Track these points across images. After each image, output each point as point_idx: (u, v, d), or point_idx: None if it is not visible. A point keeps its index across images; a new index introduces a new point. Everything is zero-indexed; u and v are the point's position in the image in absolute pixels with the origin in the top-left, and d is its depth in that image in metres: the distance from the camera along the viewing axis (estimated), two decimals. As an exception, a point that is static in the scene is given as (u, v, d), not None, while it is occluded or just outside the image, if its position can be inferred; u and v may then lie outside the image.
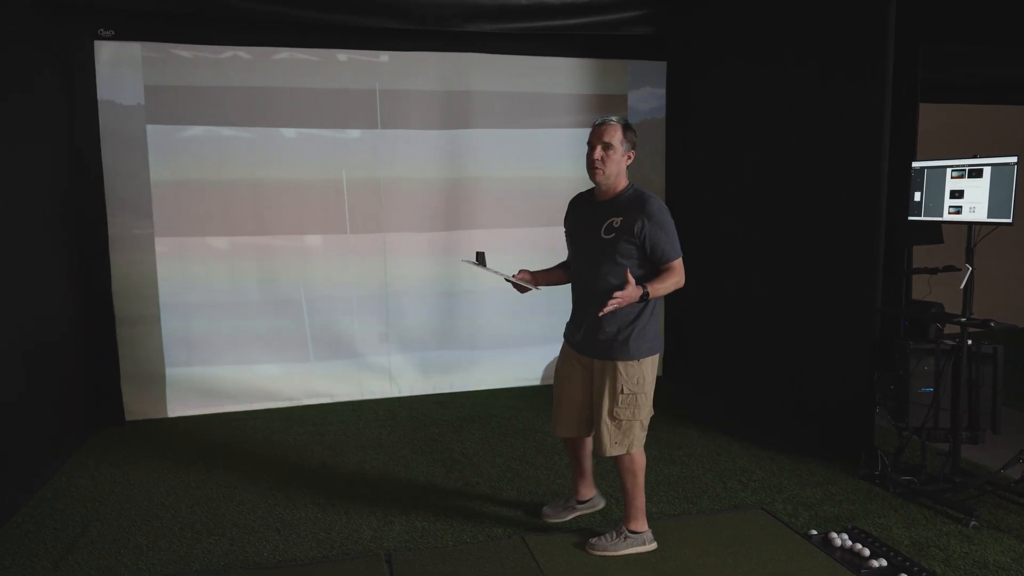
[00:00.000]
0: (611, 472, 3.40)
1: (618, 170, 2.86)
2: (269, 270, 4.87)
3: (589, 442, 3.08)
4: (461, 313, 5.26)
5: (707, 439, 4.24)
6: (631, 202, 2.86)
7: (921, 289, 4.81)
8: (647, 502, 3.00)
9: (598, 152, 2.84)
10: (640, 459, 2.90)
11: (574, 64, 5.28)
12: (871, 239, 3.63)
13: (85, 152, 4.44)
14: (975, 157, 3.22)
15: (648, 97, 5.48)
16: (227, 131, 4.71)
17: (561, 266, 3.20)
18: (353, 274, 5.02)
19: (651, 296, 2.76)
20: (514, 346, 5.37)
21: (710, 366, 5.16)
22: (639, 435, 2.85)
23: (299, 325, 4.95)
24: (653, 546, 2.92)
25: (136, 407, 4.71)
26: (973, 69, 6.06)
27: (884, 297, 3.76)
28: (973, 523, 3.09)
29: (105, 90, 4.48)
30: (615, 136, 2.83)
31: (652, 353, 2.84)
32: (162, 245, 4.68)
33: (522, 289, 3.09)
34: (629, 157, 2.86)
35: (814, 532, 3.04)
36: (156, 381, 4.74)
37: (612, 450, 2.83)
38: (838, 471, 3.70)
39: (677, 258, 2.85)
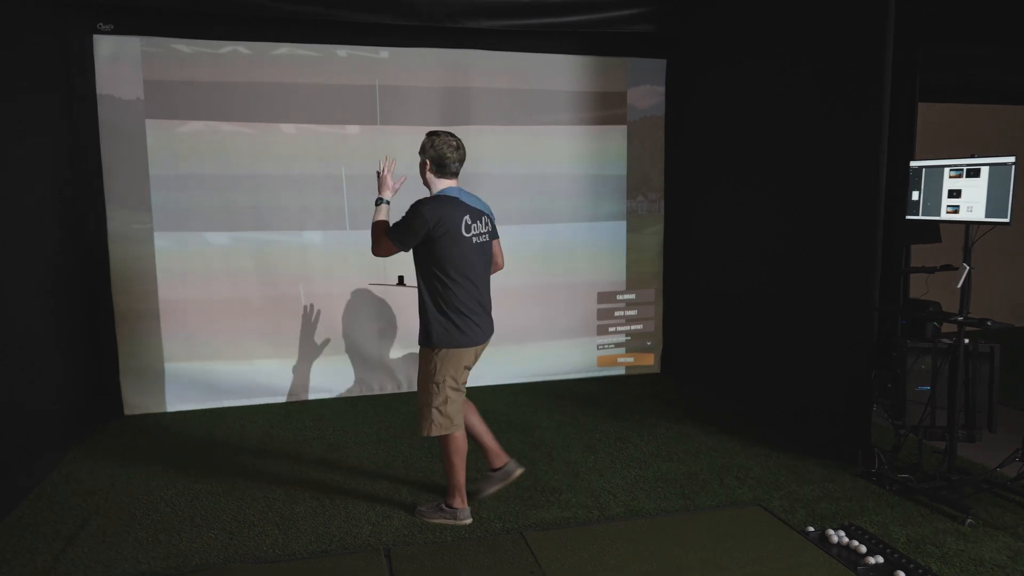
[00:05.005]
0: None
1: (424, 180, 3.10)
2: (268, 265, 4.87)
3: (472, 415, 3.36)
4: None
5: (705, 436, 4.26)
6: None
7: (919, 288, 4.83)
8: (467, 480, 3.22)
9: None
10: (451, 442, 3.12)
11: (574, 61, 5.28)
12: (869, 238, 3.65)
13: (84, 147, 4.44)
14: (973, 157, 3.23)
15: (648, 95, 5.48)
16: (226, 126, 4.71)
17: None
18: (352, 270, 5.03)
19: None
20: (513, 343, 5.38)
21: (708, 363, 5.18)
22: (437, 420, 3.06)
23: (298, 320, 4.96)
24: (466, 522, 3.16)
25: (135, 401, 4.72)
26: (973, 69, 6.07)
27: (882, 296, 3.77)
28: (969, 521, 3.11)
29: (104, 85, 4.48)
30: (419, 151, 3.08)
31: (442, 345, 3.01)
32: (161, 240, 4.68)
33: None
34: (426, 165, 3.06)
35: (811, 529, 3.06)
36: (155, 376, 4.74)
37: (419, 430, 3.12)
38: (835, 469, 3.72)
39: (387, 231, 3.04)
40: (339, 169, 4.92)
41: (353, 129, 4.93)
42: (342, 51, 4.85)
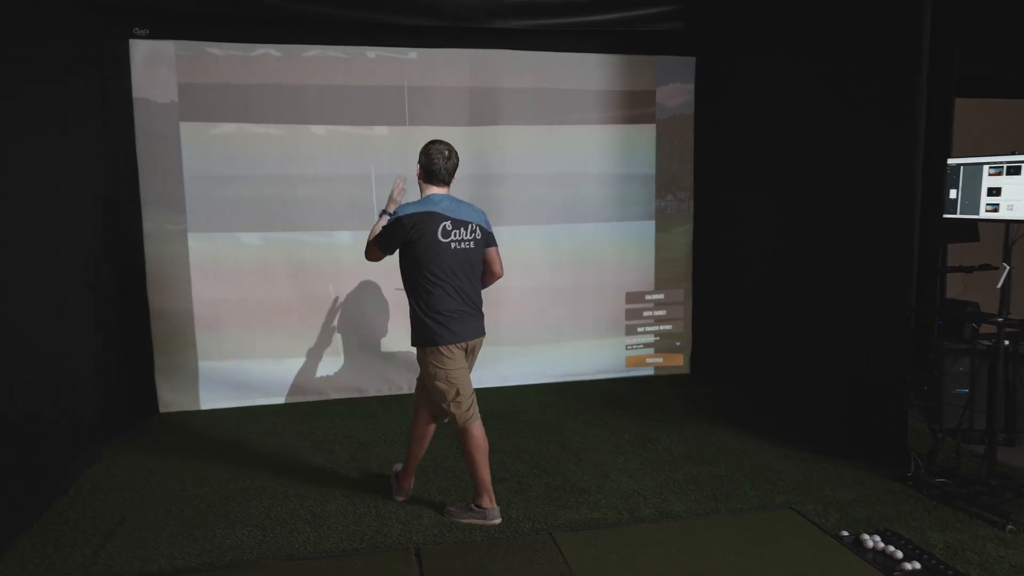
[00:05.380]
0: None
1: (419, 185, 3.23)
2: (299, 265, 4.93)
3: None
4: (487, 310, 5.23)
5: (736, 438, 4.22)
6: None
7: (956, 288, 4.73)
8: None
9: None
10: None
11: (602, 60, 5.26)
12: (905, 237, 3.58)
13: (121, 149, 4.53)
14: (1013, 153, 3.15)
15: (677, 93, 5.44)
16: (258, 128, 4.77)
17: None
18: (381, 270, 5.04)
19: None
20: (541, 343, 5.38)
21: (739, 364, 5.13)
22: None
23: (328, 320, 5.00)
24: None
25: (169, 399, 4.80)
26: (1012, 63, 5.92)
27: (918, 296, 3.69)
28: (1010, 527, 3.04)
29: (140, 88, 4.57)
30: None
31: (430, 344, 3.11)
32: (195, 240, 4.76)
33: None
34: (419, 171, 3.20)
35: (845, 533, 3.01)
36: (189, 374, 4.82)
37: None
38: (869, 472, 3.66)
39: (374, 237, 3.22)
40: (368, 169, 4.95)
41: (382, 130, 4.96)
42: (371, 52, 4.89)
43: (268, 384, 4.95)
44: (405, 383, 5.18)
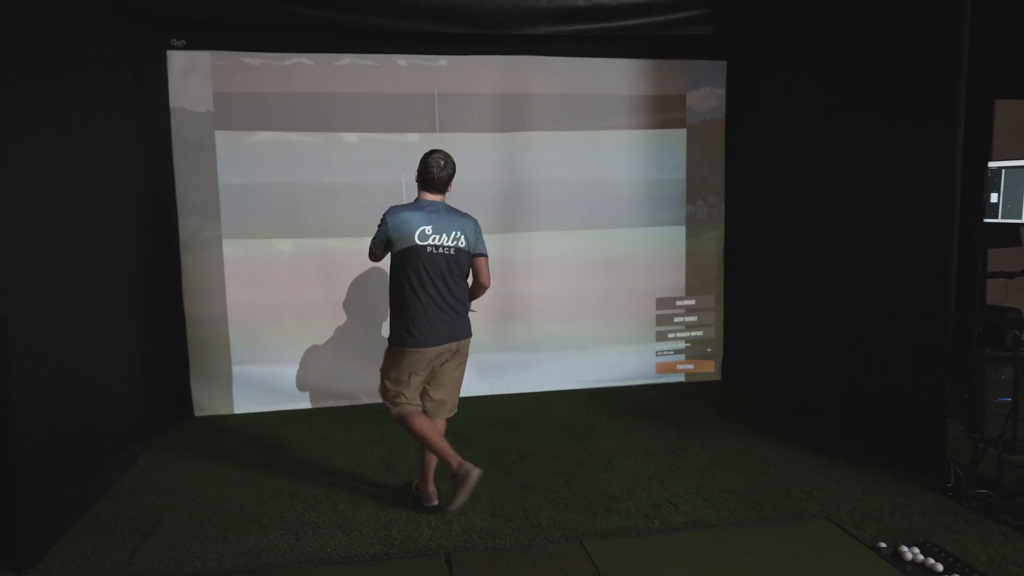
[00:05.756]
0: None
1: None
2: (331, 271, 4.98)
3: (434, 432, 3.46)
4: (517, 315, 5.28)
5: (768, 445, 4.16)
6: None
7: (996, 294, 4.61)
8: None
9: None
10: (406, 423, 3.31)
11: (632, 65, 5.24)
12: (944, 242, 3.50)
13: (158, 157, 4.63)
14: (1058, 156, 3.07)
15: (708, 97, 5.40)
16: (291, 136, 4.84)
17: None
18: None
19: None
20: (571, 349, 5.36)
21: (771, 371, 5.06)
22: (385, 401, 3.35)
23: (360, 326, 5.04)
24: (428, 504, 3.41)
25: (204, 403, 4.88)
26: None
27: (957, 302, 3.61)
28: (1055, 540, 2.95)
29: (176, 98, 4.66)
30: None
31: (392, 343, 3.28)
32: (229, 247, 4.83)
33: None
34: (416, 177, 3.37)
35: (883, 545, 2.95)
36: (223, 378, 4.90)
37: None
38: (907, 483, 3.58)
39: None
40: (399, 176, 4.99)
41: (413, 137, 5.00)
42: (402, 60, 4.94)
43: (300, 388, 5.00)
44: (435, 388, 5.19)
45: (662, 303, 5.52)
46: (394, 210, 3.26)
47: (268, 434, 4.51)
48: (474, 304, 3.46)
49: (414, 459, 4.03)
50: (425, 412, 3.36)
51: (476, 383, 5.26)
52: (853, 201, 4.11)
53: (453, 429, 4.52)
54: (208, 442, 4.37)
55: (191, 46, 4.64)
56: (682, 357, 5.61)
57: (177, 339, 4.78)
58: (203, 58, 4.68)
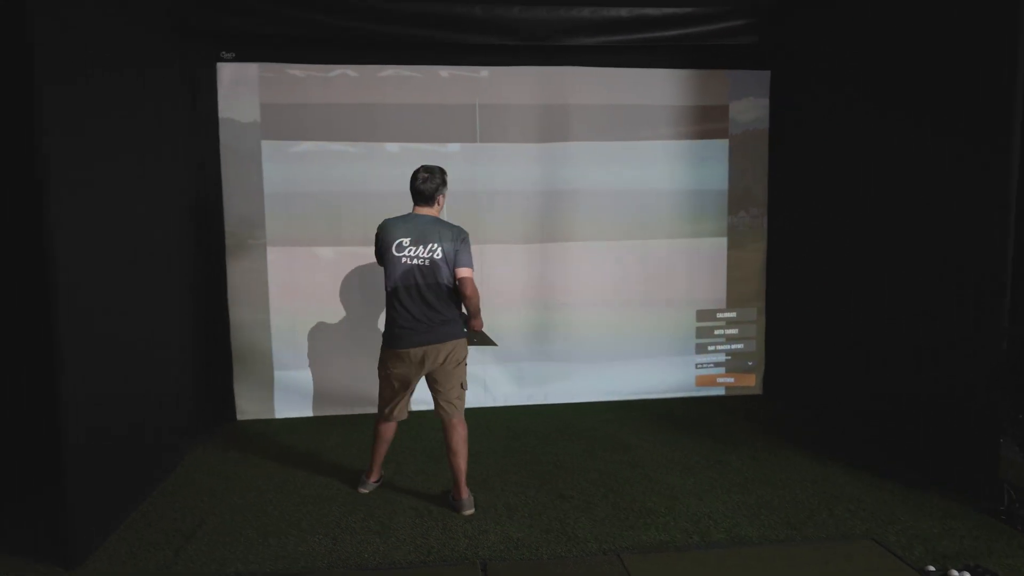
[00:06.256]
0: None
1: None
2: (372, 279, 5.03)
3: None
4: (556, 325, 5.27)
5: (812, 462, 4.07)
6: None
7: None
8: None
9: None
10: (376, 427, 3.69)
11: (673, 75, 5.21)
12: (997, 253, 3.40)
13: (207, 167, 4.75)
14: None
15: (751, 107, 5.34)
16: (335, 146, 4.93)
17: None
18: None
19: None
20: (610, 360, 5.32)
21: (814, 385, 4.96)
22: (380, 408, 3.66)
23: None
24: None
25: (247, 407, 4.98)
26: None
27: (1011, 316, 3.49)
28: (1116, 568, 2.83)
29: (225, 108, 4.79)
30: None
31: (383, 344, 3.54)
32: (273, 254, 4.93)
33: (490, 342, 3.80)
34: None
35: (931, 568, 2.86)
36: (265, 383, 4.99)
37: None
38: (956, 503, 3.47)
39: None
40: (439, 186, 5.03)
41: (454, 147, 5.04)
42: (444, 72, 4.99)
43: (340, 394, 5.06)
44: (472, 397, 5.17)
45: (703, 315, 5.46)
46: (384, 222, 3.47)
47: (308, 439, 4.57)
48: (485, 330, 3.65)
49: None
50: (438, 415, 3.56)
51: (515, 393, 5.26)
52: (900, 215, 4.01)
53: (492, 439, 4.54)
54: (250, 445, 4.45)
55: (240, 58, 4.77)
56: (723, 370, 5.53)
57: (222, 344, 4.89)
58: (251, 70, 4.80)
